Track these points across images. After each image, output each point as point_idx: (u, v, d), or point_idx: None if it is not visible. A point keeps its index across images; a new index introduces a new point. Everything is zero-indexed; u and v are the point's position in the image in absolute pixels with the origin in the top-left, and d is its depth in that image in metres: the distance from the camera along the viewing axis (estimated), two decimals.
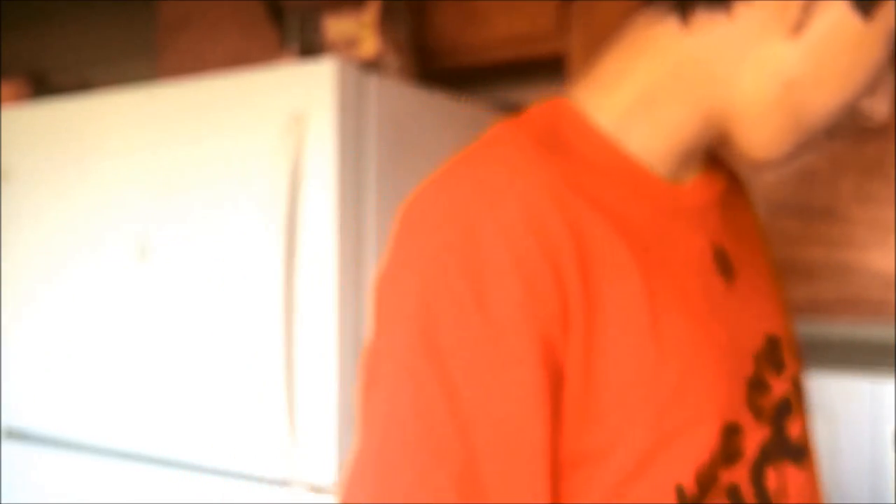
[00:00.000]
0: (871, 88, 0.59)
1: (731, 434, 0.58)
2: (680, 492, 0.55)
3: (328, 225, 1.35)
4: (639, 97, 0.61)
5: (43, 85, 2.07)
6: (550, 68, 1.76)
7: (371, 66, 1.60)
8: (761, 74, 0.58)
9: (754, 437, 0.60)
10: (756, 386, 0.62)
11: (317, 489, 1.35)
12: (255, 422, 1.41)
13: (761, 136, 0.60)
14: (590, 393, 0.53)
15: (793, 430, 0.64)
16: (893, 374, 1.39)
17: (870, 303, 1.37)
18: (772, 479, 0.61)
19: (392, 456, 0.52)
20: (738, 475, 0.59)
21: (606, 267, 0.55)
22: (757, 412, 0.61)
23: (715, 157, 0.70)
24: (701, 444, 0.56)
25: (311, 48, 1.70)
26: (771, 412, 0.62)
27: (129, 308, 1.60)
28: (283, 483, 1.38)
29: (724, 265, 0.64)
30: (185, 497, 1.51)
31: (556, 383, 0.52)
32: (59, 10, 2.62)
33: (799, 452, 0.64)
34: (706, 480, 0.57)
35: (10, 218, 1.80)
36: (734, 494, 0.58)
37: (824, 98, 0.58)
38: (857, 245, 1.37)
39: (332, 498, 1.34)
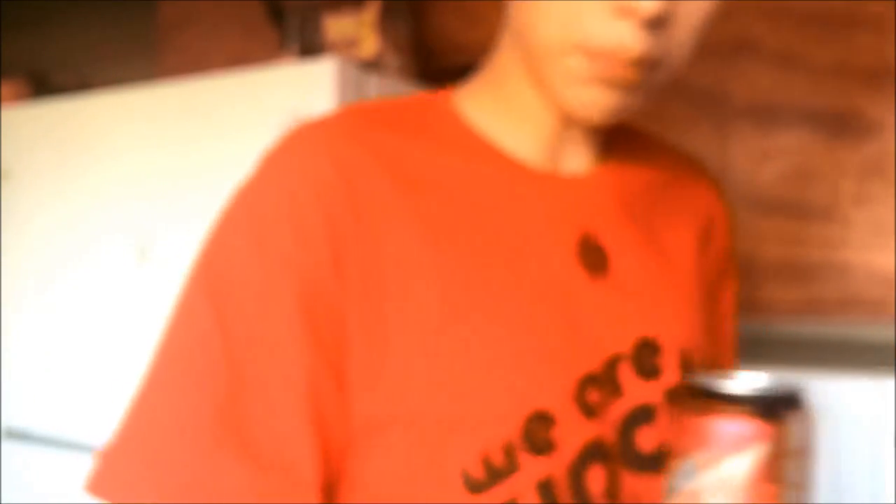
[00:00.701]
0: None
1: (538, 424, 0.56)
2: (466, 477, 0.55)
3: None
4: (494, 88, 0.64)
5: (43, 85, 2.07)
6: None
7: (371, 66, 1.60)
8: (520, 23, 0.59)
9: (576, 434, 0.57)
10: (594, 383, 0.58)
11: None
12: None
13: (553, 87, 0.58)
14: (373, 355, 0.55)
15: (645, 440, 0.59)
16: (893, 374, 1.39)
17: (870, 303, 1.37)
18: (596, 480, 0.57)
19: (161, 379, 0.58)
20: (554, 470, 0.56)
21: (391, 239, 0.57)
22: (587, 410, 0.57)
23: (656, 150, 0.71)
24: (492, 430, 0.55)
25: (311, 48, 1.70)
26: (618, 415, 0.59)
27: (128, 308, 1.60)
28: None
29: (593, 259, 0.62)
30: None
31: (333, 331, 0.55)
32: (59, 10, 2.62)
33: (647, 463, 0.59)
34: (499, 468, 0.55)
35: (10, 218, 1.80)
36: (545, 489, 0.56)
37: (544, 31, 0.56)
38: (857, 245, 1.37)
39: None
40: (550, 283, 0.60)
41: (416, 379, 0.55)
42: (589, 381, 0.58)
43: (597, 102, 0.57)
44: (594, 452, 0.57)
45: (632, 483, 0.59)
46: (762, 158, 1.42)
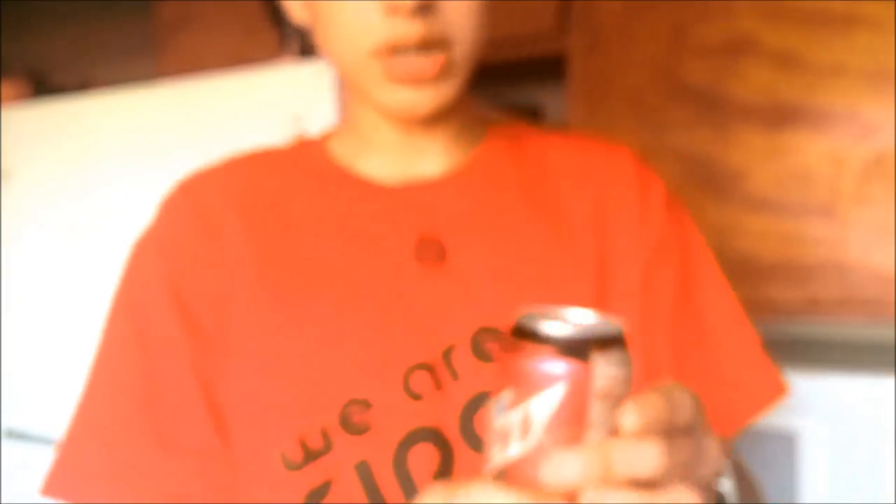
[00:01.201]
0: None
1: (354, 409, 0.61)
2: (284, 458, 0.62)
3: None
4: (348, 119, 0.73)
5: (43, 85, 2.07)
6: (550, 68, 1.76)
7: None
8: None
9: (399, 419, 0.61)
10: (427, 371, 0.63)
11: None
12: None
13: (371, 96, 0.65)
14: (223, 359, 0.65)
15: (481, 421, 0.63)
16: (893, 375, 1.40)
17: (870, 303, 1.37)
18: (425, 461, 0.61)
19: (90, 392, 0.68)
20: (374, 454, 0.61)
21: (237, 262, 0.67)
22: (415, 396, 0.62)
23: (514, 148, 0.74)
24: (310, 416, 0.62)
25: (311, 48, 1.70)
26: (460, 401, 0.62)
27: None
28: None
29: (430, 253, 0.67)
30: None
31: (196, 334, 0.65)
32: (59, 10, 2.62)
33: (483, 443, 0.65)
34: (314, 449, 0.61)
35: (10, 218, 1.80)
36: (363, 470, 0.61)
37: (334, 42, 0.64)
38: (856, 245, 1.37)
39: None
40: (385, 283, 0.66)
41: (249, 376, 0.64)
42: (419, 368, 0.63)
43: (411, 99, 0.63)
44: (424, 436, 0.61)
45: (472, 462, 0.62)
46: (762, 158, 1.42)
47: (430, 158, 0.71)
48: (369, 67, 0.63)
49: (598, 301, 0.67)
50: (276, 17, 1.86)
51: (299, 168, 0.72)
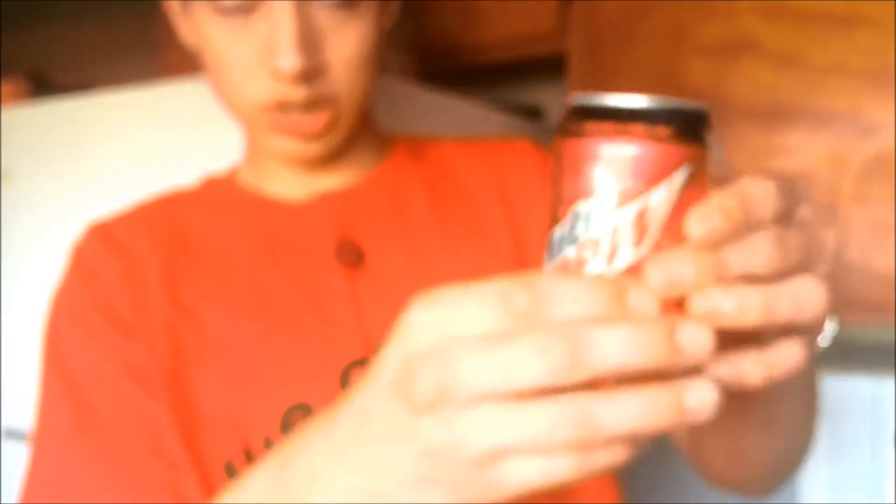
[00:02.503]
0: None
1: (297, 415, 0.62)
2: (229, 468, 0.62)
3: None
4: (250, 145, 0.76)
5: (43, 85, 2.07)
6: (550, 68, 1.76)
7: None
8: None
9: None
10: (361, 366, 0.63)
11: None
12: None
13: (260, 142, 0.70)
14: (177, 371, 0.66)
15: None
16: (893, 374, 1.40)
17: (870, 303, 1.37)
18: None
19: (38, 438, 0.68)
20: None
21: (150, 278, 0.68)
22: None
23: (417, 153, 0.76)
24: (253, 426, 0.62)
25: None
26: None
27: None
28: None
29: (350, 257, 0.68)
30: None
31: (155, 354, 0.66)
32: (60, 10, 2.62)
33: None
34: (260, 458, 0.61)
35: (10, 218, 1.80)
36: None
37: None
38: (857, 245, 1.37)
39: None
40: (310, 288, 0.67)
41: (187, 387, 0.64)
42: (355, 366, 0.63)
43: (298, 149, 0.66)
44: None
45: None
46: (762, 158, 1.42)
47: (334, 176, 0.73)
48: (257, 119, 0.65)
49: None
50: None
51: (209, 201, 0.74)
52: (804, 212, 0.39)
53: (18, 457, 1.78)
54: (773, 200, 0.36)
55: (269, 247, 0.69)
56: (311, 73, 0.62)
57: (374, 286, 0.67)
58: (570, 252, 0.36)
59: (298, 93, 0.62)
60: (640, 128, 0.35)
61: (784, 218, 0.37)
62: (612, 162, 0.35)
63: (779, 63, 1.40)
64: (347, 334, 0.65)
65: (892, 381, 1.38)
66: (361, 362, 0.64)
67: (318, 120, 0.63)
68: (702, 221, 0.33)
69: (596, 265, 0.35)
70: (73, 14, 2.61)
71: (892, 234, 1.34)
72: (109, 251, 0.70)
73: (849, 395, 1.40)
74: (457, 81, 1.89)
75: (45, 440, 0.67)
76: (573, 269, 0.36)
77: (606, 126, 0.35)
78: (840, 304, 1.40)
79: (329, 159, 0.71)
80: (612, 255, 0.35)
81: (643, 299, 0.32)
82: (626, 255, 0.35)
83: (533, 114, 1.89)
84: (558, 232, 0.36)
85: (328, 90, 0.63)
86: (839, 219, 1.38)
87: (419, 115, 1.53)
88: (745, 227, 0.35)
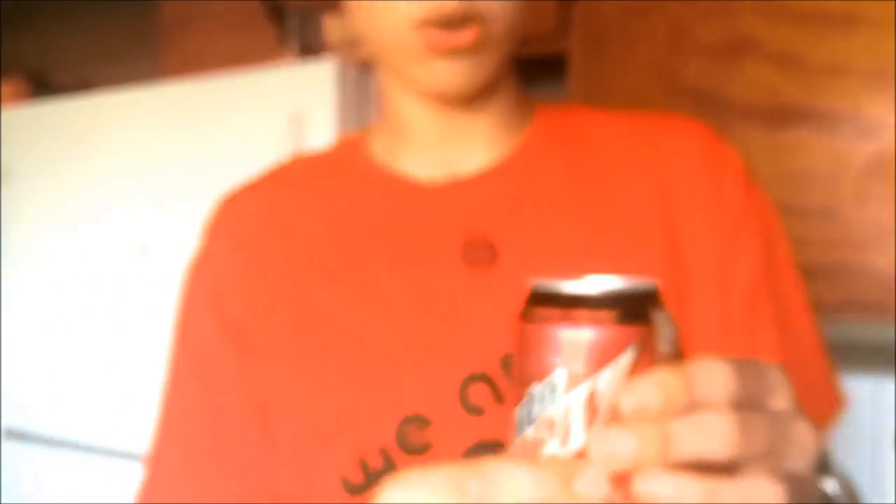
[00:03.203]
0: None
1: (412, 426, 0.59)
2: (346, 482, 0.59)
3: None
4: (385, 117, 0.69)
5: (43, 85, 2.07)
6: (550, 68, 1.76)
7: (371, 66, 1.60)
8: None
9: (459, 434, 0.58)
10: (483, 382, 0.59)
11: None
12: None
13: (406, 73, 0.63)
14: (277, 373, 0.64)
15: None
16: (893, 374, 1.39)
17: (870, 303, 1.37)
18: None
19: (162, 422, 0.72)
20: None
21: (274, 275, 0.66)
22: (472, 409, 0.58)
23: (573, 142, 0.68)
24: (367, 435, 0.59)
25: (311, 48, 1.70)
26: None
27: (129, 308, 1.60)
28: None
29: (479, 258, 0.63)
30: None
31: (247, 357, 0.65)
32: (59, 10, 2.62)
33: None
34: (376, 470, 0.58)
35: (10, 218, 1.80)
36: None
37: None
38: (857, 245, 1.37)
39: None
40: (433, 289, 0.62)
41: (300, 396, 0.62)
42: (474, 380, 0.59)
43: (447, 73, 0.61)
44: (489, 451, 0.57)
45: None
46: (762, 158, 1.42)
47: (472, 150, 0.67)
48: (408, 40, 0.60)
49: (674, 292, 0.60)
50: (276, 17, 1.86)
51: (339, 174, 0.70)
52: (781, 402, 0.36)
53: (18, 457, 1.78)
54: (726, 382, 0.34)
55: (395, 237, 0.65)
56: None
57: (503, 289, 0.61)
58: (528, 431, 0.37)
59: (450, 2, 0.58)
60: (584, 312, 0.36)
61: (748, 404, 0.35)
62: (560, 346, 0.36)
63: (779, 63, 1.40)
64: (469, 344, 0.60)
65: (892, 381, 1.38)
66: (480, 377, 0.59)
67: (467, 35, 0.59)
68: (633, 394, 0.34)
69: (552, 446, 0.36)
70: (73, 14, 2.61)
71: (892, 234, 1.34)
72: (233, 241, 0.69)
73: (849, 395, 1.40)
74: None
75: (166, 432, 0.70)
76: (531, 450, 0.37)
77: (554, 312, 0.37)
78: (840, 304, 1.40)
79: (469, 111, 0.66)
80: (565, 437, 0.36)
81: (589, 485, 0.33)
82: (579, 437, 0.35)
83: None
84: (519, 411, 0.38)
85: (478, 7, 0.59)
86: (839, 219, 1.38)
87: None
88: (689, 406, 0.34)
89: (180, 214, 1.53)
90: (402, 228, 0.65)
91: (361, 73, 1.42)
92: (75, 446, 1.67)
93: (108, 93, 1.67)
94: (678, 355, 0.37)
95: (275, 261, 0.66)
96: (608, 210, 0.64)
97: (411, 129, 0.67)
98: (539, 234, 0.63)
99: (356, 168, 0.69)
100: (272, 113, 1.40)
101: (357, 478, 0.59)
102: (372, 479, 0.58)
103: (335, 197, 0.68)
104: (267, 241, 0.67)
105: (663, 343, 0.36)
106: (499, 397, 0.59)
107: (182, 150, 1.53)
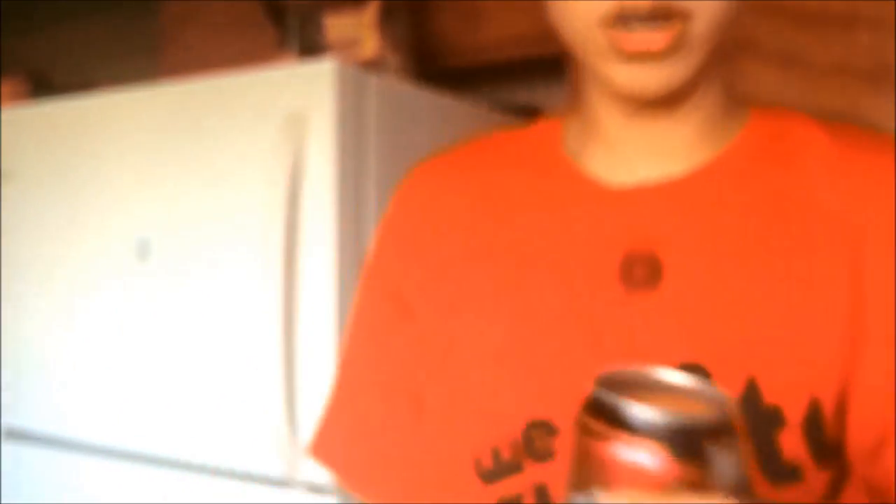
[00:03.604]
0: None
1: (539, 432, 0.57)
2: (478, 464, 0.60)
3: (328, 225, 1.35)
4: (579, 109, 0.65)
5: (43, 85, 2.07)
6: (550, 68, 1.76)
7: (371, 66, 1.60)
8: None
9: None
10: None
11: (317, 489, 1.35)
12: (255, 421, 1.41)
13: (598, 71, 0.59)
14: (433, 347, 0.65)
15: None
16: None
17: None
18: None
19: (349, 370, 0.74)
20: (551, 477, 0.56)
21: (451, 249, 0.65)
22: None
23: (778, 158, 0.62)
24: (500, 427, 0.59)
25: (311, 48, 1.70)
26: None
27: (129, 307, 1.60)
28: (282, 483, 1.38)
29: (639, 275, 0.58)
30: (184, 497, 1.51)
31: (410, 326, 0.67)
32: (60, 10, 2.62)
33: None
34: (505, 464, 0.58)
35: (10, 218, 1.80)
36: (541, 494, 0.57)
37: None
38: None
39: (332, 498, 1.34)
40: (582, 298, 0.59)
41: (449, 374, 0.62)
42: None
43: (637, 76, 0.56)
44: None
45: None
46: None
47: (664, 157, 0.61)
48: (596, 38, 0.56)
49: (844, 350, 0.55)
50: (276, 17, 1.86)
51: (528, 161, 0.67)
52: None
53: (18, 457, 1.78)
54: None
55: (561, 237, 0.61)
56: None
57: (661, 313, 0.57)
58: None
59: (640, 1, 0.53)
60: (635, 438, 0.34)
61: None
62: (606, 465, 0.35)
63: (779, 63, 1.40)
64: (608, 363, 0.55)
65: None
66: None
67: (663, 36, 0.54)
68: None
69: None
70: (73, 14, 2.61)
71: None
72: (419, 209, 0.69)
73: None
74: (456, 81, 1.89)
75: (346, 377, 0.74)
76: None
77: (607, 428, 0.36)
78: None
79: (665, 115, 0.60)
80: None
81: None
82: None
83: (532, 114, 1.88)
84: None
85: (678, 4, 0.54)
86: None
87: (419, 115, 1.53)
88: None
89: (180, 214, 1.53)
90: (566, 228, 0.62)
91: (361, 73, 1.43)
92: (75, 446, 1.68)
93: (108, 93, 1.67)
94: (742, 486, 0.35)
95: (449, 237, 0.66)
96: (794, 242, 0.58)
97: (603, 126, 0.62)
98: (709, 260, 0.58)
99: (546, 158, 0.66)
100: (272, 113, 1.40)
101: (488, 463, 0.59)
102: (502, 468, 0.58)
103: (519, 185, 0.66)
104: (447, 217, 0.67)
105: (721, 478, 0.34)
106: None
107: (182, 149, 1.53)
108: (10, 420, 1.79)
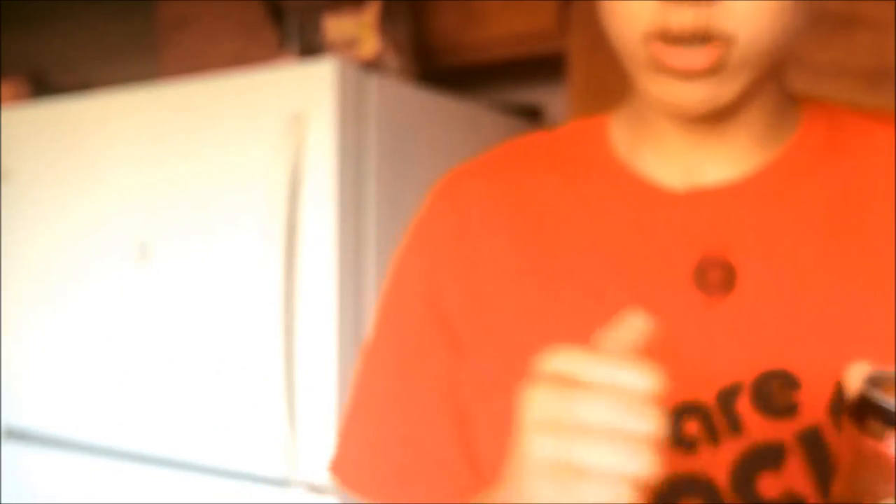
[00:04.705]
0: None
1: None
2: None
3: (328, 224, 1.35)
4: (630, 110, 0.64)
5: (43, 85, 2.07)
6: (550, 68, 1.76)
7: (371, 66, 1.60)
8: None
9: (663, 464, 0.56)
10: (696, 415, 0.55)
11: (317, 489, 1.35)
12: (255, 421, 1.41)
13: (642, 87, 0.58)
14: (478, 362, 0.62)
15: (768, 485, 0.54)
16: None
17: None
18: None
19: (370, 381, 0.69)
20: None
21: (492, 262, 0.63)
22: (681, 441, 0.55)
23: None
24: None
25: (311, 48, 1.70)
26: (732, 453, 0.54)
27: (128, 308, 1.60)
28: (282, 483, 1.38)
29: (714, 280, 0.57)
30: (184, 497, 1.51)
31: (451, 343, 0.64)
32: (59, 10, 2.62)
33: None
34: None
35: (10, 218, 1.80)
36: None
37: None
38: None
39: (332, 498, 1.34)
40: (657, 305, 0.56)
41: (500, 387, 0.59)
42: (687, 411, 0.55)
43: (678, 93, 0.55)
44: (690, 487, 0.54)
45: None
46: None
47: (721, 160, 0.60)
48: (638, 52, 0.55)
49: None
50: (276, 17, 1.86)
51: (576, 163, 0.65)
52: None
53: (18, 457, 1.78)
54: None
55: (624, 242, 0.60)
56: None
57: (735, 316, 0.56)
58: None
59: (683, 16, 0.51)
60: None
61: None
62: (885, 461, 0.35)
63: None
64: (688, 372, 0.55)
65: None
66: (695, 408, 0.55)
67: (702, 57, 0.52)
68: None
69: None
70: (73, 14, 2.61)
71: None
72: (454, 217, 0.65)
73: None
74: (456, 81, 1.89)
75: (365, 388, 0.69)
76: None
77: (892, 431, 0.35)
78: None
79: (717, 123, 0.59)
80: None
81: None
82: None
83: (532, 114, 1.88)
84: None
85: (721, 24, 0.52)
86: None
87: (419, 115, 1.53)
88: None
89: (180, 214, 1.53)
90: (634, 235, 0.60)
91: (361, 73, 1.43)
92: (75, 446, 1.68)
93: (107, 93, 1.67)
94: None
95: (496, 250, 0.63)
96: (866, 234, 0.57)
97: (654, 131, 0.61)
98: (785, 261, 0.57)
99: (596, 160, 0.64)
100: (272, 113, 1.40)
101: None
102: None
103: (568, 187, 0.63)
104: (486, 224, 0.64)
105: None
106: (712, 432, 0.55)
107: (182, 150, 1.53)
108: (10, 420, 1.79)
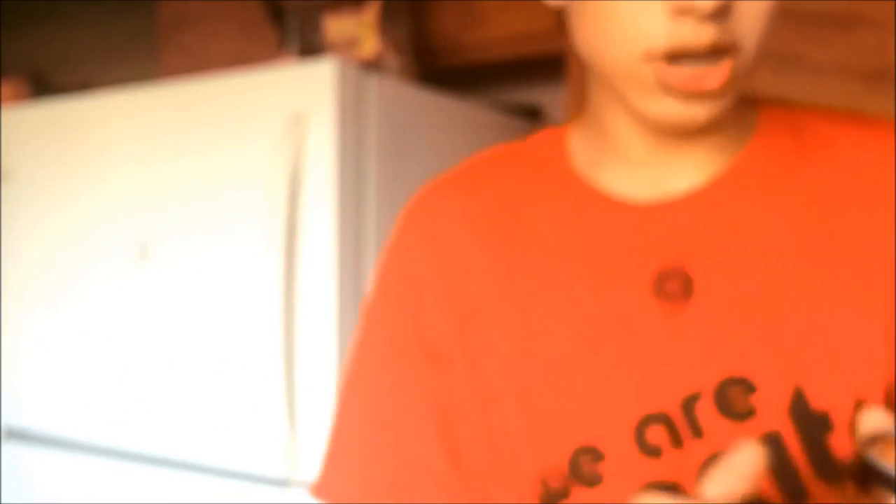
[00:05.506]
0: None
1: (585, 457, 0.57)
2: (527, 497, 0.59)
3: (328, 225, 1.35)
4: (589, 121, 0.63)
5: (43, 85, 2.07)
6: (550, 68, 1.76)
7: (371, 66, 1.60)
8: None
9: (631, 472, 0.55)
10: (661, 423, 0.56)
11: None
12: (255, 422, 1.41)
13: (634, 103, 0.56)
14: (463, 380, 0.63)
15: None
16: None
17: None
18: None
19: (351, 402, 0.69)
20: (600, 501, 0.56)
21: (472, 284, 0.63)
22: (648, 450, 0.56)
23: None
24: (547, 455, 0.58)
25: (311, 48, 1.70)
26: (700, 459, 0.55)
27: (129, 308, 1.60)
28: (282, 483, 1.38)
29: (673, 290, 0.57)
30: (184, 497, 1.51)
31: (435, 364, 0.64)
32: (59, 10, 2.62)
33: None
34: (554, 491, 0.57)
35: (10, 218, 1.80)
36: None
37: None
38: None
39: None
40: (620, 317, 0.58)
41: (485, 405, 0.61)
42: (653, 419, 0.56)
43: (682, 112, 0.54)
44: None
45: None
46: None
47: (685, 171, 0.60)
48: (639, 72, 0.53)
49: (889, 347, 0.54)
50: (276, 17, 1.86)
51: (538, 179, 0.65)
52: None
53: (18, 457, 1.78)
54: None
55: (588, 255, 0.60)
56: (724, 10, 0.50)
57: (694, 325, 0.56)
58: None
59: (705, 34, 0.50)
60: None
61: None
62: None
63: (779, 63, 1.40)
64: (651, 382, 0.56)
65: None
66: (661, 417, 0.56)
67: (720, 72, 0.51)
68: None
69: None
70: (73, 14, 2.61)
71: None
72: (428, 235, 0.66)
73: None
74: (456, 81, 1.89)
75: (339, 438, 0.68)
76: None
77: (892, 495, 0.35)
78: None
79: (691, 139, 0.58)
80: None
81: None
82: None
83: (532, 114, 1.88)
84: None
85: (731, 36, 0.51)
86: None
87: (419, 114, 1.53)
88: None
89: (180, 215, 1.53)
90: (597, 248, 0.60)
91: (361, 73, 1.43)
92: (75, 446, 1.68)
93: (107, 93, 1.67)
94: None
95: (468, 263, 0.64)
96: (829, 245, 0.57)
97: (620, 145, 0.60)
98: (743, 269, 0.57)
99: (556, 175, 0.64)
100: (272, 113, 1.40)
101: (538, 495, 0.58)
102: (552, 497, 0.57)
103: (532, 203, 0.64)
104: (461, 241, 0.65)
105: None
106: (677, 440, 0.56)
107: (182, 150, 1.54)
108: (10, 420, 1.79)
